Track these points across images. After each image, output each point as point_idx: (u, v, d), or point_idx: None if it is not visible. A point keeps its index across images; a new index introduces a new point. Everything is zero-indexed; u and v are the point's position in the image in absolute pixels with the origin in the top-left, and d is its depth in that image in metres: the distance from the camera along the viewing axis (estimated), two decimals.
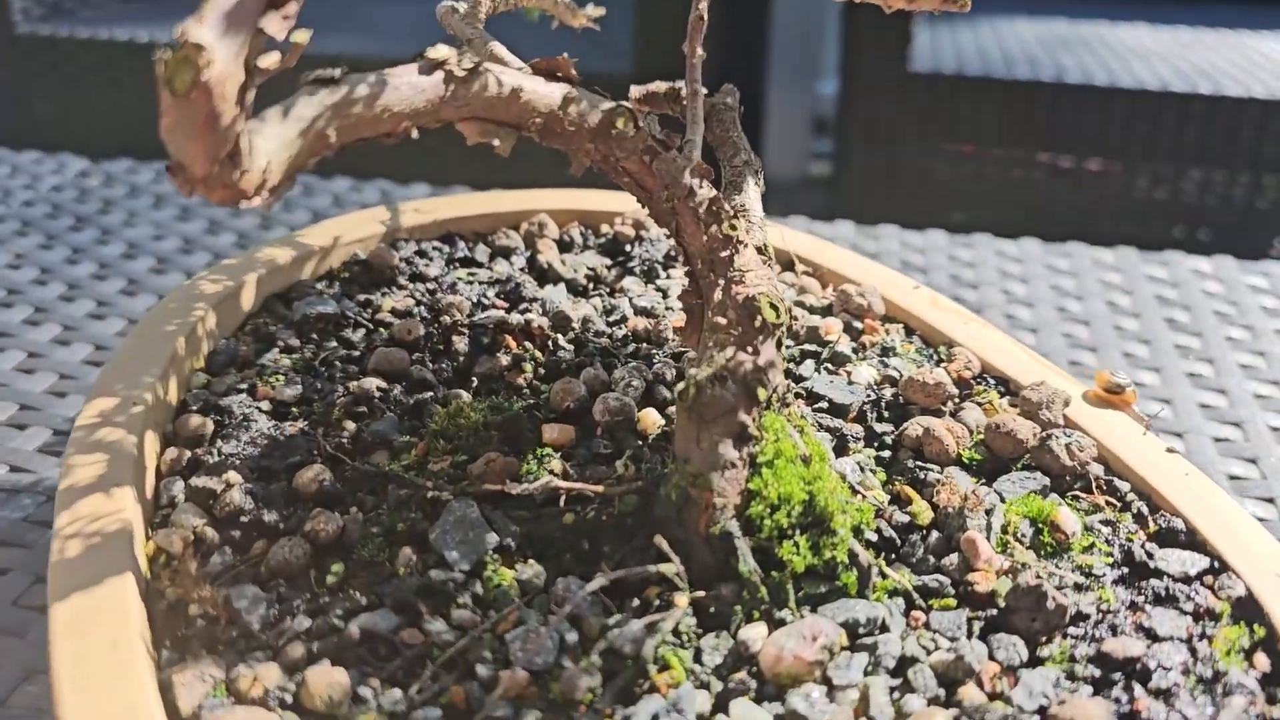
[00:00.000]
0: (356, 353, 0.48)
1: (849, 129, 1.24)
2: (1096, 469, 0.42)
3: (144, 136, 1.31)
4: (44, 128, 1.41)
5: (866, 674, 0.34)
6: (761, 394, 0.38)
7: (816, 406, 0.45)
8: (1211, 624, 0.36)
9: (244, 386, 0.45)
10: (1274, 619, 0.35)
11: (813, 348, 0.48)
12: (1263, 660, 0.34)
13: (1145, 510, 0.40)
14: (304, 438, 0.42)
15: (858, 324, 0.51)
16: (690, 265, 0.41)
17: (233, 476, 0.40)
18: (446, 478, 0.40)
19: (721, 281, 0.40)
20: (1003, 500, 0.41)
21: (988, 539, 0.39)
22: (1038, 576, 0.36)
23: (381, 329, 0.50)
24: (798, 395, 0.45)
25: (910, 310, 0.51)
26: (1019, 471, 0.42)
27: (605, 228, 0.59)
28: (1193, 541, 0.39)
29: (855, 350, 0.49)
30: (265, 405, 0.44)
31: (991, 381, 0.47)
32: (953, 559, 0.38)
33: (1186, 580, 0.37)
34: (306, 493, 0.40)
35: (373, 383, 0.45)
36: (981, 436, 0.44)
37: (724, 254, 0.40)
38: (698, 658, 0.35)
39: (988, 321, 0.51)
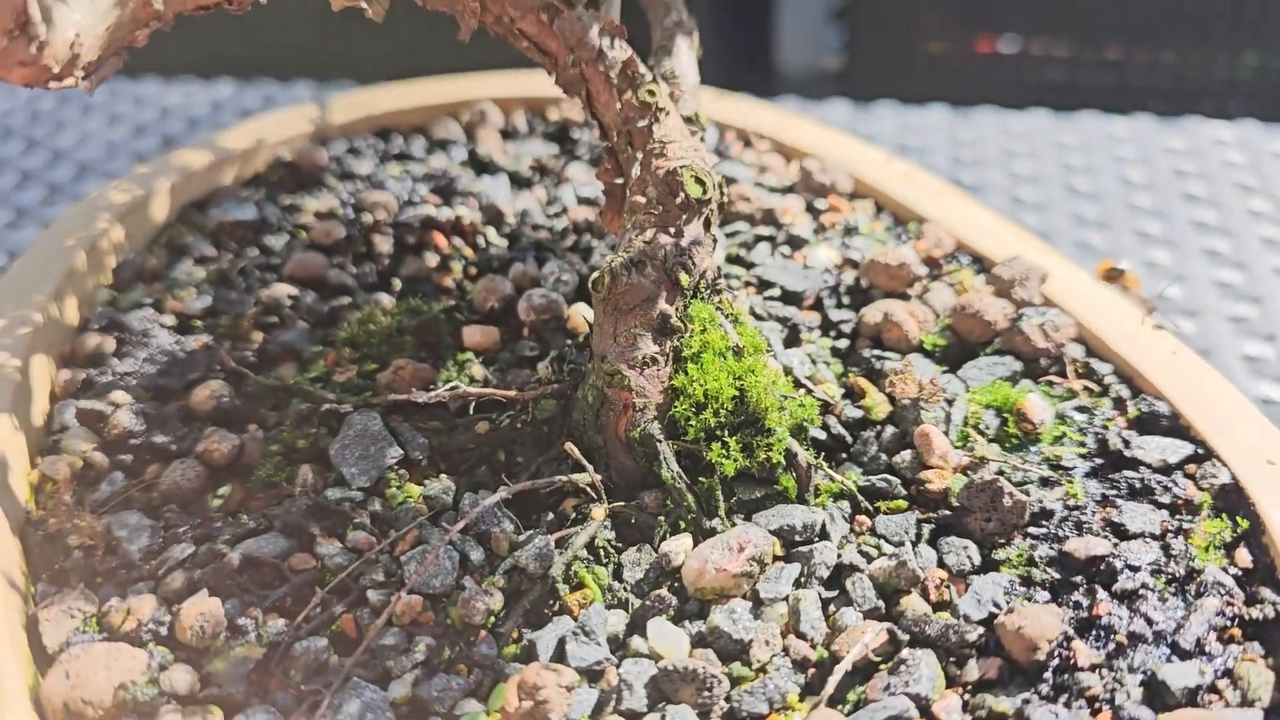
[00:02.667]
0: (276, 260, 0.44)
1: (862, 16, 1.17)
2: (1074, 350, 0.38)
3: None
4: None
5: (799, 586, 0.31)
6: (685, 279, 0.34)
7: (768, 294, 0.41)
8: (1190, 518, 0.32)
9: (149, 301, 0.42)
10: (1261, 510, 0.31)
11: (768, 231, 0.44)
12: (1244, 556, 0.30)
13: (1126, 394, 0.36)
14: (206, 352, 0.39)
15: (821, 203, 0.46)
16: (606, 139, 0.36)
17: (120, 397, 0.37)
18: (352, 389, 0.37)
19: (640, 155, 0.35)
20: (967, 389, 0.37)
21: (945, 433, 0.35)
22: (997, 473, 0.32)
23: (303, 233, 0.46)
24: (747, 284, 0.41)
25: (880, 187, 0.46)
26: (987, 356, 0.38)
27: (554, 113, 0.54)
28: (1175, 427, 0.35)
29: (816, 231, 0.45)
30: (170, 320, 0.41)
31: (966, 260, 0.43)
32: (905, 456, 0.34)
33: (1166, 470, 0.33)
34: (202, 411, 0.37)
35: (284, 290, 0.42)
36: (948, 320, 0.39)
37: (641, 124, 0.35)
38: (618, 574, 0.32)
39: (969, 196, 0.47)
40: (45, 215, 0.64)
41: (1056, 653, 0.28)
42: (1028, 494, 0.32)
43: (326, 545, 0.32)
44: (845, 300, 0.41)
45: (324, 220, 0.46)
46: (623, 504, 0.33)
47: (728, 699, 0.28)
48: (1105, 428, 0.35)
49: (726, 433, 0.33)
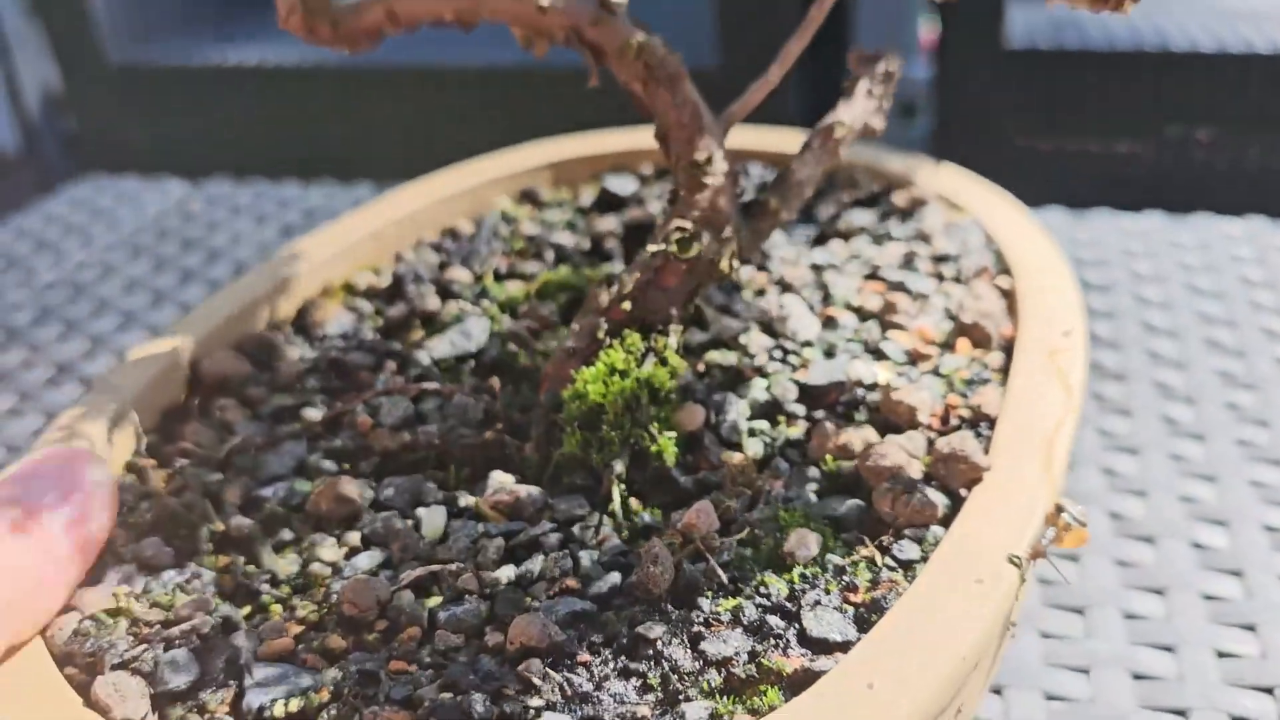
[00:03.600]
0: None
1: (946, 111, 1.20)
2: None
3: (240, 158, 1.29)
4: (141, 154, 1.40)
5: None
6: (626, 307, 0.42)
7: (795, 376, 0.44)
8: None
9: None
10: None
11: (875, 335, 0.47)
12: None
13: None
14: None
15: (956, 342, 0.46)
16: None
17: None
18: None
19: (672, 209, 0.43)
20: None
21: None
22: None
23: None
24: (798, 364, 0.45)
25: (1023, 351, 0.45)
26: (844, 499, 0.39)
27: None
28: None
29: (910, 359, 0.46)
30: None
31: (986, 431, 0.41)
32: None
33: None
34: None
35: None
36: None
37: (687, 189, 0.43)
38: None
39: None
40: None
41: None
42: None
43: None
44: (857, 416, 0.43)
45: None
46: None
47: None
48: None
49: (576, 425, 0.40)
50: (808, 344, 0.46)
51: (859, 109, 0.47)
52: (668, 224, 0.42)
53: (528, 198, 0.62)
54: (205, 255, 0.83)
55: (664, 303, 0.42)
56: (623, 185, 0.60)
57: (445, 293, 0.53)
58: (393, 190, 0.61)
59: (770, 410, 0.43)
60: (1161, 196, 1.18)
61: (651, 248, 0.42)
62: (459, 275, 0.54)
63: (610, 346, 0.42)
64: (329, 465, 0.43)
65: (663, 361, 0.42)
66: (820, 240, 0.55)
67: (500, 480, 0.41)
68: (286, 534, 0.40)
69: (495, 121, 1.26)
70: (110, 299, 0.79)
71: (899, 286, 0.49)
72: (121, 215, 0.90)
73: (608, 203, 0.60)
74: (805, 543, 0.36)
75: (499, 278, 0.54)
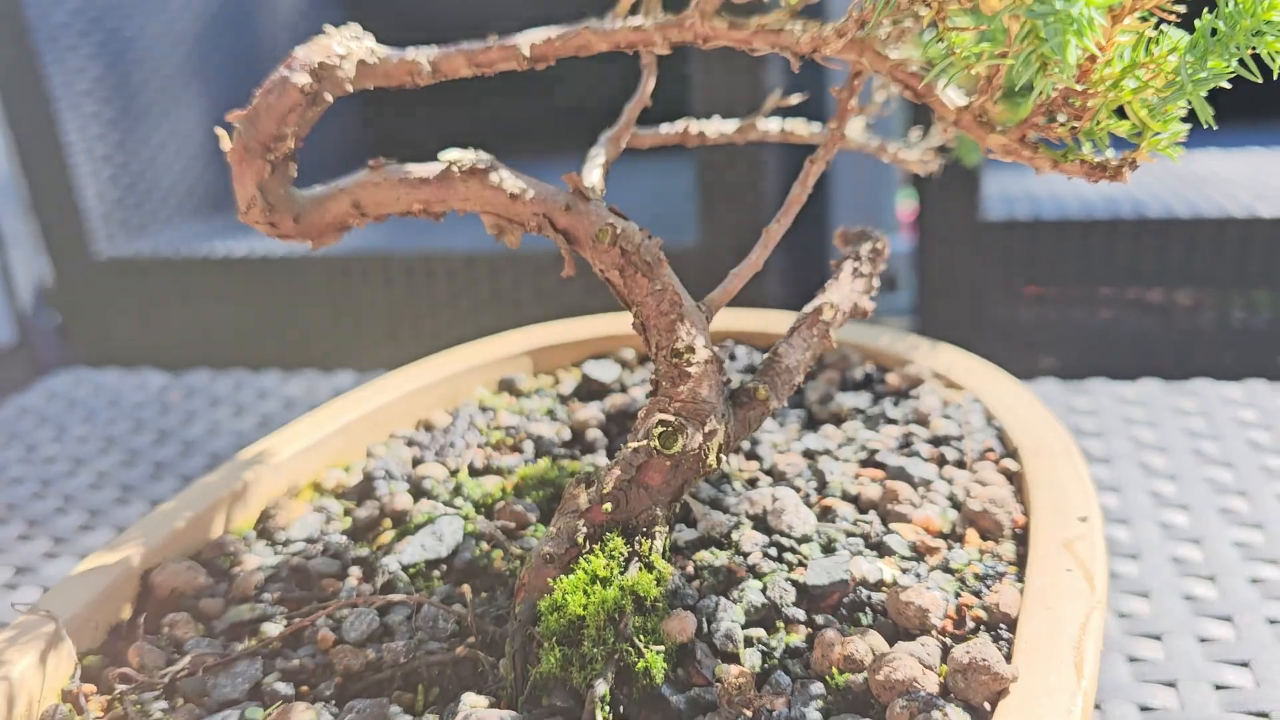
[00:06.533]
0: None
1: (927, 284, 1.20)
2: None
3: (221, 348, 1.34)
4: (123, 345, 1.41)
5: None
6: (608, 508, 0.38)
7: (791, 576, 0.41)
8: None
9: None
10: None
11: (877, 529, 0.44)
12: None
13: None
14: None
15: (963, 531, 0.44)
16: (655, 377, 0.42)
17: None
18: None
19: (653, 400, 0.41)
20: None
21: None
22: None
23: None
24: (797, 562, 0.42)
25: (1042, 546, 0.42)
26: None
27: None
28: None
29: (915, 553, 0.43)
30: None
31: (1006, 634, 0.38)
32: None
33: None
34: None
35: None
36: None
37: (669, 379, 0.41)
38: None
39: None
40: None
41: None
42: None
43: None
44: (863, 619, 0.40)
45: None
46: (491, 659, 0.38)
47: None
48: None
49: (555, 639, 0.36)
50: (805, 539, 0.43)
51: (846, 289, 0.45)
52: (649, 417, 0.40)
53: (506, 386, 0.60)
54: (180, 447, 0.80)
55: (648, 502, 0.39)
56: (604, 371, 0.58)
57: (417, 490, 0.50)
58: (369, 381, 0.58)
59: (767, 615, 0.39)
60: (1151, 362, 1.18)
61: (632, 443, 0.39)
62: (433, 471, 0.51)
63: (591, 552, 0.38)
64: (285, 688, 0.39)
65: (648, 567, 0.38)
66: (812, 424, 0.52)
67: (472, 703, 0.37)
68: None
69: (480, 307, 1.25)
70: (77, 495, 0.75)
71: (899, 473, 0.46)
72: (97, 407, 0.88)
73: (589, 390, 0.58)
74: None
75: (475, 473, 0.51)
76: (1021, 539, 0.42)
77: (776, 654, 0.38)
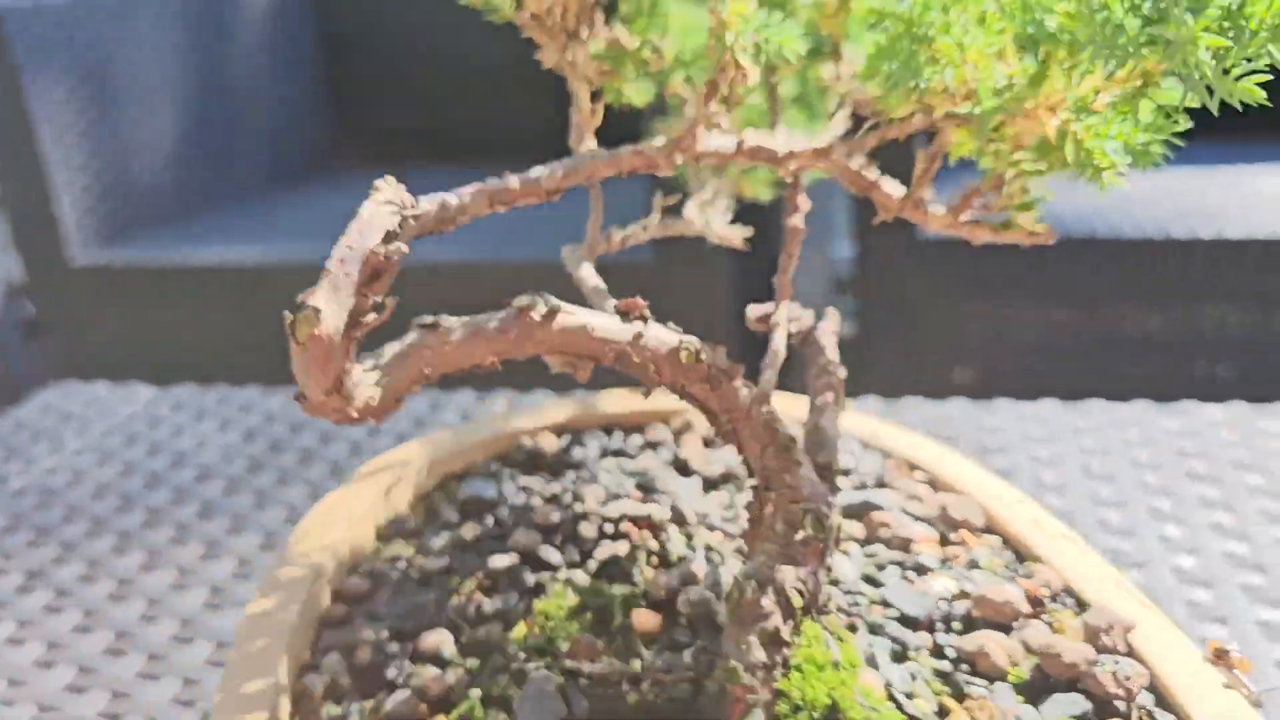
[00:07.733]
0: (502, 531, 0.56)
1: (867, 295, 1.29)
2: (1145, 699, 0.43)
3: (208, 360, 1.36)
4: (109, 357, 1.42)
5: None
6: (797, 601, 0.42)
7: (888, 614, 0.48)
8: None
9: (406, 554, 0.54)
10: None
11: (899, 556, 0.52)
12: None
13: None
14: (436, 606, 0.50)
15: (953, 535, 0.54)
16: (752, 477, 0.46)
17: (368, 634, 0.49)
18: (536, 651, 0.47)
19: (774, 496, 0.45)
20: None
21: None
22: None
23: (530, 512, 0.57)
24: (873, 603, 0.49)
25: (1008, 526, 0.54)
26: (1066, 693, 0.44)
27: None
28: None
29: (942, 561, 0.52)
30: (415, 574, 0.53)
31: (1070, 602, 0.49)
32: None
33: None
34: (428, 654, 0.47)
35: (504, 561, 0.53)
36: (1036, 657, 0.45)
37: (780, 471, 0.45)
38: None
39: (1087, 544, 0.53)
40: (176, 515, 0.74)
41: None
42: None
43: None
44: (956, 627, 0.48)
45: (547, 503, 0.58)
46: None
47: None
48: None
49: None
50: (868, 580, 0.50)
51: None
52: (778, 511, 0.44)
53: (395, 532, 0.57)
54: (171, 457, 0.82)
55: (818, 584, 0.44)
56: (484, 488, 0.59)
57: None
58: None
59: (899, 653, 0.46)
60: (1083, 380, 1.24)
61: (800, 535, 0.43)
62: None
63: (792, 645, 0.42)
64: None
65: (840, 639, 0.44)
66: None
67: None
68: None
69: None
70: (80, 505, 0.78)
71: (865, 506, 0.56)
72: (90, 419, 0.90)
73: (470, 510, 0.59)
74: None
75: (476, 622, 0.50)
76: (989, 529, 0.54)
77: (953, 675, 0.45)
